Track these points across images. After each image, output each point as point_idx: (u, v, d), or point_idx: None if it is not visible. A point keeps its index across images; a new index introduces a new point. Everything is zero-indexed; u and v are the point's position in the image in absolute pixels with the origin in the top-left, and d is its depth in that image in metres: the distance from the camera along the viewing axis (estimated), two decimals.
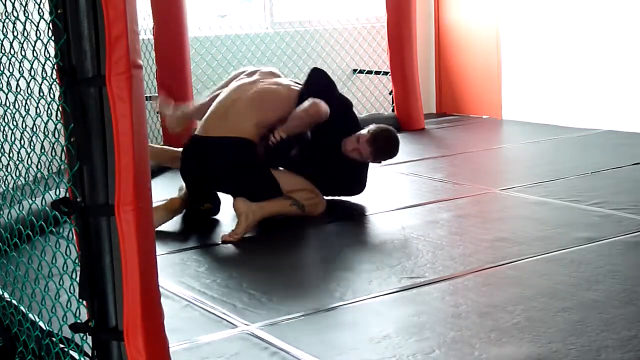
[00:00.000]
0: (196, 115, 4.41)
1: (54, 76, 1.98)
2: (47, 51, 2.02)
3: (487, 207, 4.27)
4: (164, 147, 4.78)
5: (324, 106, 4.06)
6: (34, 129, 2.29)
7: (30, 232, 2.39)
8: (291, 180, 4.07)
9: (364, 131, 4.24)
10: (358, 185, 4.43)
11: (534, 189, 4.50)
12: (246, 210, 3.78)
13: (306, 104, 4.05)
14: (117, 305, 1.92)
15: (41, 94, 2.14)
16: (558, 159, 5.43)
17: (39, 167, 2.37)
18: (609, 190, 4.44)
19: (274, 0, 6.92)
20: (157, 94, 5.74)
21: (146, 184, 1.94)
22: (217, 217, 4.18)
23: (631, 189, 4.51)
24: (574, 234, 3.62)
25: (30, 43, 2.14)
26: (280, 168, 4.12)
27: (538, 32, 6.79)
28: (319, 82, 4.31)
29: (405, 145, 6.01)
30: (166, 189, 4.30)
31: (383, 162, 4.46)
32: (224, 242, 3.72)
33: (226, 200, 4.14)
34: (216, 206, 4.21)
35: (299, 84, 4.31)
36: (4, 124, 2.50)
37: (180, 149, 4.22)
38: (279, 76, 4.40)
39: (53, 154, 2.08)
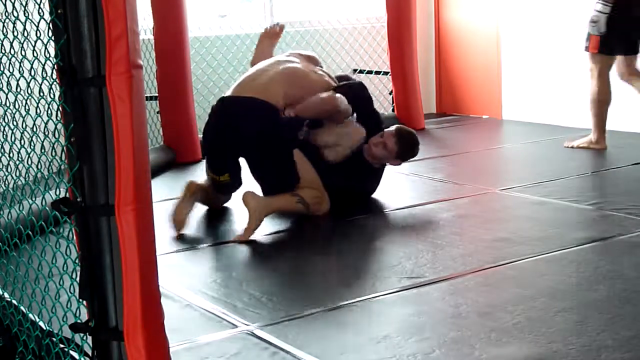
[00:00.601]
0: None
1: (54, 76, 1.98)
2: (47, 51, 2.02)
3: (487, 207, 4.27)
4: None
5: (343, 102, 4.09)
6: (34, 129, 2.29)
7: (30, 232, 2.39)
8: (305, 167, 4.06)
9: (386, 130, 4.35)
10: (372, 181, 4.44)
11: (534, 189, 4.50)
12: (255, 206, 3.77)
13: (326, 93, 4.08)
14: (117, 305, 1.92)
15: (41, 94, 2.14)
16: (558, 159, 5.43)
17: (39, 167, 2.37)
18: (609, 190, 4.44)
19: (274, 0, 6.92)
20: (157, 94, 5.75)
21: (146, 184, 1.94)
22: (218, 217, 4.17)
23: (631, 189, 4.51)
24: (574, 234, 3.62)
25: (31, 43, 2.14)
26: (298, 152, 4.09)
27: (538, 32, 6.79)
28: (356, 94, 4.35)
29: None
30: (166, 189, 4.30)
31: (402, 163, 4.44)
32: (238, 242, 3.70)
33: (235, 200, 4.14)
34: (235, 180, 4.15)
35: (332, 78, 4.38)
36: (4, 124, 2.50)
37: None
38: (317, 63, 4.48)
39: (53, 154, 2.08)
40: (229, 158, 4.15)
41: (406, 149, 4.35)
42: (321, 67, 4.52)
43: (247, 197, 3.81)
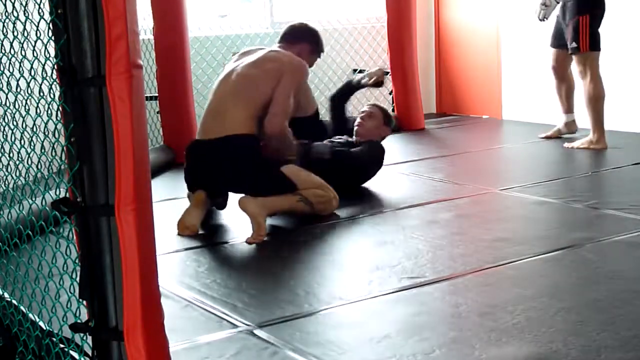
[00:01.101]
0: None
1: (54, 76, 1.98)
2: (47, 51, 2.02)
3: (487, 207, 4.27)
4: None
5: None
6: (34, 129, 2.29)
7: (30, 232, 2.39)
8: (301, 175, 4.03)
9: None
10: (376, 164, 4.70)
11: (534, 189, 4.50)
12: (254, 210, 3.76)
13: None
14: (117, 305, 1.92)
15: (41, 94, 2.14)
16: (558, 159, 5.43)
17: (39, 167, 2.37)
18: (609, 190, 4.44)
19: (274, 0, 6.92)
20: (157, 94, 5.75)
21: (146, 184, 1.94)
22: (218, 217, 4.18)
23: (631, 189, 4.51)
24: (574, 234, 3.62)
25: (31, 43, 2.14)
26: (291, 165, 4.07)
27: (538, 32, 6.78)
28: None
29: (406, 145, 6.03)
30: (166, 189, 4.30)
31: (390, 133, 4.87)
32: (251, 243, 3.69)
33: (232, 198, 4.15)
34: (223, 200, 4.18)
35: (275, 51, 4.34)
36: (4, 124, 2.50)
37: None
38: (258, 50, 4.37)
39: (53, 154, 2.08)
40: (214, 192, 4.11)
41: (386, 113, 4.84)
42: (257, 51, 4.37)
43: (244, 203, 3.78)
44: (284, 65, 4.13)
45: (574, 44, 5.44)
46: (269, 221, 3.97)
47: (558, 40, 5.72)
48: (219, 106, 4.07)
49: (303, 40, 4.45)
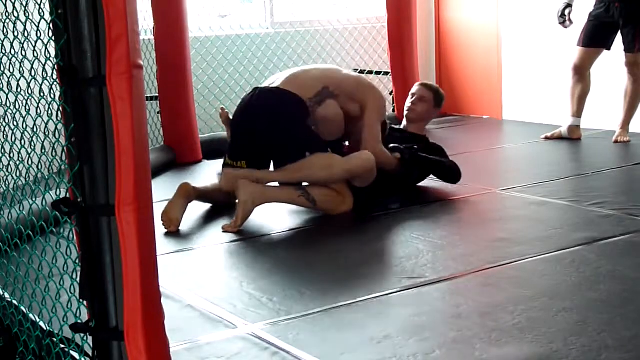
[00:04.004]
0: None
1: (55, 76, 1.98)
2: (48, 51, 2.02)
3: (487, 207, 4.27)
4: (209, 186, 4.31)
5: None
6: (35, 129, 2.29)
7: (30, 233, 2.39)
8: (319, 166, 4.02)
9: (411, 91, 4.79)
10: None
11: (534, 189, 4.50)
12: (245, 198, 3.77)
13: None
14: (118, 306, 1.92)
15: (42, 94, 2.14)
16: (558, 159, 5.43)
17: (40, 167, 2.37)
18: (609, 190, 4.44)
19: (274, 0, 6.92)
20: (157, 94, 5.75)
21: (146, 184, 1.94)
22: (218, 217, 4.17)
23: (631, 189, 4.51)
24: (574, 234, 3.62)
25: (31, 43, 2.14)
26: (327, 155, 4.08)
27: (538, 32, 6.79)
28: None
29: None
30: (166, 189, 4.29)
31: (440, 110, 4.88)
32: (225, 231, 3.72)
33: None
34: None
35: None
36: (4, 124, 2.50)
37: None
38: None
39: (53, 154, 2.08)
40: (251, 147, 4.11)
41: (437, 92, 4.76)
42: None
43: (240, 187, 3.79)
44: (366, 90, 4.31)
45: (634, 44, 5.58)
46: (269, 221, 3.98)
47: (593, 40, 5.74)
48: (301, 73, 4.25)
49: None
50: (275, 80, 4.23)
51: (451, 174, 4.53)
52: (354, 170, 4.03)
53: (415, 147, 4.48)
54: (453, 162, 4.59)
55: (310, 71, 4.30)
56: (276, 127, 4.00)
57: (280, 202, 4.00)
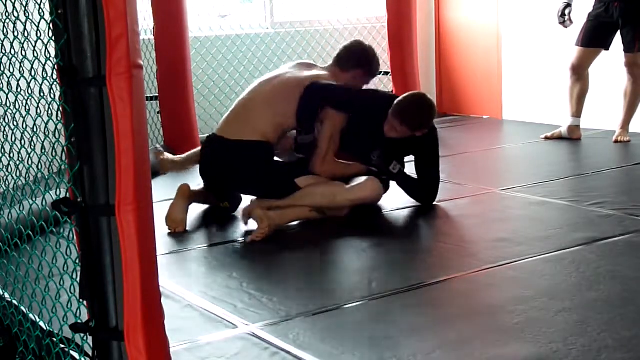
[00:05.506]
0: (187, 164, 4.39)
1: (55, 76, 1.98)
2: (48, 51, 2.02)
3: (487, 207, 4.27)
4: (184, 156, 4.48)
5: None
6: (35, 129, 2.29)
7: (30, 233, 2.39)
8: (316, 191, 4.00)
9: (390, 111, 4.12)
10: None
11: (534, 189, 4.50)
12: (261, 216, 3.75)
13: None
14: (118, 305, 1.92)
15: (42, 94, 2.14)
16: (558, 159, 5.43)
17: (40, 167, 2.37)
18: (609, 190, 4.44)
19: (274, 0, 6.92)
20: (157, 94, 5.75)
21: (146, 183, 1.94)
22: (218, 217, 4.18)
23: (631, 189, 4.51)
24: (574, 234, 3.62)
25: (31, 43, 2.14)
26: (309, 175, 4.05)
27: (538, 32, 6.79)
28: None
29: None
30: (166, 189, 4.29)
31: (426, 130, 4.15)
32: (251, 241, 3.71)
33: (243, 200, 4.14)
34: (234, 205, 4.22)
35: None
36: (4, 124, 2.50)
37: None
38: (314, 67, 4.40)
39: (53, 154, 2.08)
40: (226, 192, 4.20)
41: (414, 120, 4.08)
42: (313, 68, 4.40)
43: (257, 212, 3.77)
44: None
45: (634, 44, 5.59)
46: None
47: (592, 40, 5.75)
48: (249, 104, 4.11)
49: (357, 67, 4.35)
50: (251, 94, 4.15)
51: (424, 195, 4.27)
52: (357, 202, 4.04)
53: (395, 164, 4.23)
54: (431, 179, 4.28)
55: (263, 108, 4.06)
56: (248, 178, 4.01)
57: (295, 220, 4.00)
